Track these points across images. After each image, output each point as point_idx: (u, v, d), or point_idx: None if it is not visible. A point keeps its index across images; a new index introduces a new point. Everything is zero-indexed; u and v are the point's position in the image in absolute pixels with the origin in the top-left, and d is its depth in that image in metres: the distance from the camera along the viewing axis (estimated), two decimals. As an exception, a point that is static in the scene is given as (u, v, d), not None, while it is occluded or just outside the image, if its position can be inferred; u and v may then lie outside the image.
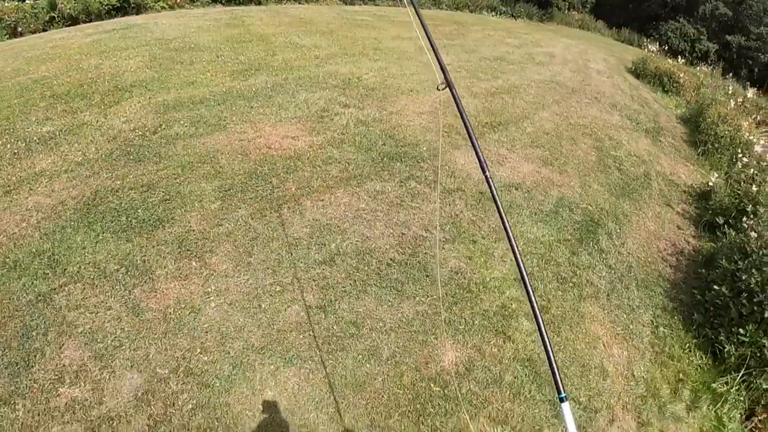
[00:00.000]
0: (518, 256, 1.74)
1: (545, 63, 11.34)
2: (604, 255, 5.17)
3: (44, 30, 10.57)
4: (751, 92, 12.28)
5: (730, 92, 11.75)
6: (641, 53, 15.23)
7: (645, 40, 20.79)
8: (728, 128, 8.56)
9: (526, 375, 3.68)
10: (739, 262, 4.67)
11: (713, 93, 11.29)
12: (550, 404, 3.54)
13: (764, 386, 3.98)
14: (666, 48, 19.52)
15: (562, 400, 1.64)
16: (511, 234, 1.75)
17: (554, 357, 1.66)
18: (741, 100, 11.15)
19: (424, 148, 6.02)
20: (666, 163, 7.73)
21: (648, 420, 3.74)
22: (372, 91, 7.36)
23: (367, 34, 10.80)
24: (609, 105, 9.35)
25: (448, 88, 1.86)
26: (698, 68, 16.18)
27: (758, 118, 10.57)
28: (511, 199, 5.51)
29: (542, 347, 3.83)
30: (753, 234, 4.95)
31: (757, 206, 5.62)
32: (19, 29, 10.47)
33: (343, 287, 4.06)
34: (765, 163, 7.35)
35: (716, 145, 8.49)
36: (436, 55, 1.89)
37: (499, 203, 1.80)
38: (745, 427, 3.98)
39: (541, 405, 3.53)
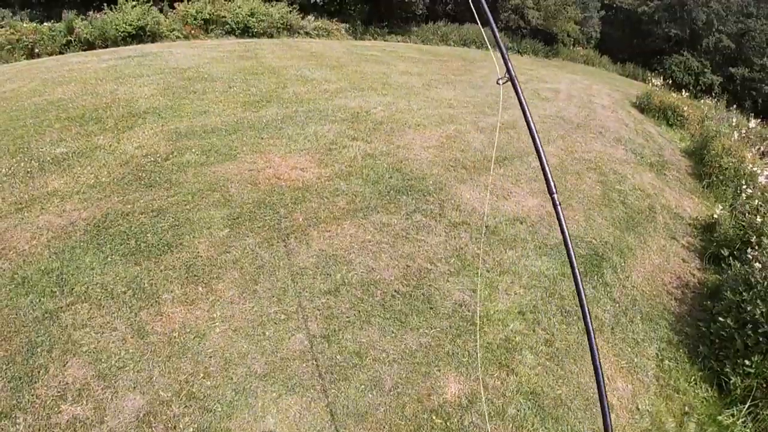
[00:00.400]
0: (583, 300, 1.72)
1: (550, 99, 11.53)
2: (608, 288, 5.17)
3: (61, 53, 10.88)
4: (753, 123, 12.24)
5: (733, 124, 11.77)
6: (646, 87, 15.43)
7: (649, 74, 21.10)
8: (732, 160, 8.58)
9: (529, 408, 3.65)
10: (744, 294, 4.64)
11: (717, 125, 11.30)
12: (553, 439, 3.51)
13: (771, 417, 3.92)
14: (670, 82, 19.77)
15: None
16: (576, 268, 1.74)
17: (608, 406, 1.62)
18: (744, 131, 11.17)
19: (430, 182, 6.11)
20: (671, 197, 7.77)
21: (653, 456, 3.68)
22: (380, 125, 7.51)
23: (376, 69, 11.06)
24: (613, 139, 9.45)
25: (509, 81, 1.87)
26: (702, 101, 16.30)
27: (761, 149, 10.58)
28: (515, 233, 5.54)
29: (548, 382, 3.84)
30: (757, 265, 4.92)
31: (762, 237, 5.60)
32: (36, 50, 10.79)
33: (348, 317, 4.08)
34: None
35: (720, 177, 8.52)
36: (498, 46, 1.87)
37: (564, 228, 1.80)
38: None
39: (544, 439, 3.49)
